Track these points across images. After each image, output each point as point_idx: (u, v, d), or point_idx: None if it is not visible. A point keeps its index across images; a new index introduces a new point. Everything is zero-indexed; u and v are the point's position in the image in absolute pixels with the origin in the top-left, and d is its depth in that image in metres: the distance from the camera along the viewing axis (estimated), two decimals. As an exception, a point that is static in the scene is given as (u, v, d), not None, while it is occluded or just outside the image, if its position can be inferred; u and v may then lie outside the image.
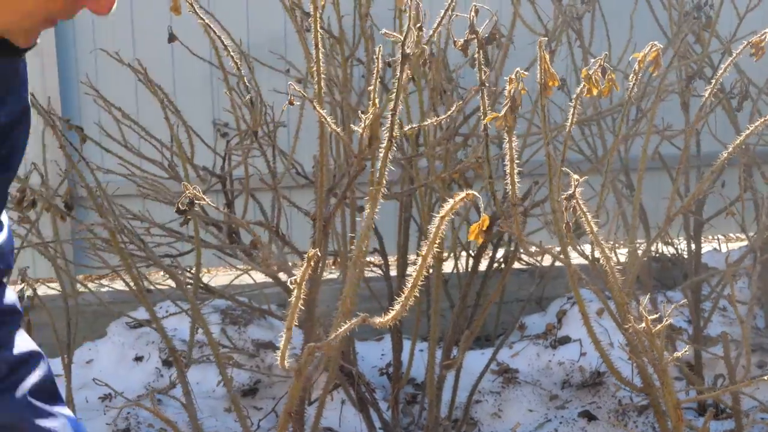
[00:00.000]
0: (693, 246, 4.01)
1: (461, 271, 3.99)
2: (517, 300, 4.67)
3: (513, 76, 2.16)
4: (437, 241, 1.67)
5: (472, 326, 3.51)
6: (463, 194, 1.67)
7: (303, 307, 2.96)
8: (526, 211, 3.21)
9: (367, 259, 4.52)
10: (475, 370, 3.88)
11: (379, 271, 4.05)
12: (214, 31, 3.08)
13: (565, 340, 4.25)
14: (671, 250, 4.52)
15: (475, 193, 1.66)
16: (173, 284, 3.34)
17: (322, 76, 2.52)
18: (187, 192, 2.18)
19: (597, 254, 2.76)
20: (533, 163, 4.21)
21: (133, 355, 4.06)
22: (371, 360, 4.34)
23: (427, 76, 3.44)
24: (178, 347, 3.94)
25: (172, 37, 3.52)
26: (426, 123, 2.36)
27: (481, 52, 2.48)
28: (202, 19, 3.12)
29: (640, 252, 2.88)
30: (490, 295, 3.43)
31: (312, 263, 1.77)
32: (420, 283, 1.66)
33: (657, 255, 4.67)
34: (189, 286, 3.28)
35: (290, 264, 2.92)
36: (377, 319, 1.89)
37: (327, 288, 4.27)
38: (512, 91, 2.15)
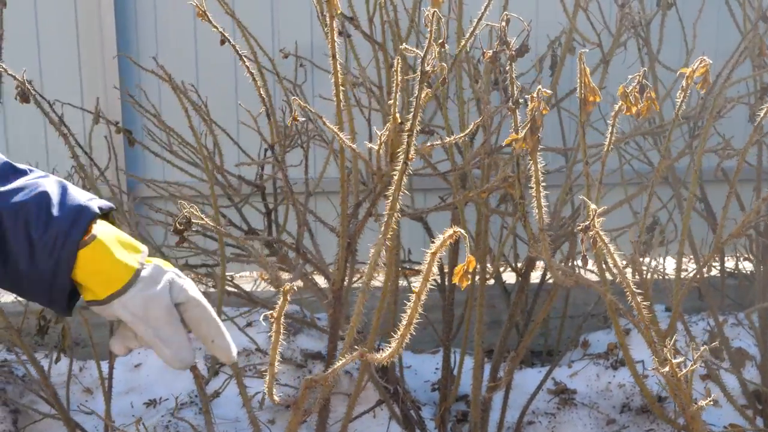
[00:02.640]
0: (762, 268, 3.76)
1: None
2: (586, 315, 4.48)
3: (534, 95, 2.00)
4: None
5: (519, 347, 3.34)
6: (451, 231, 1.53)
7: (329, 329, 2.86)
8: (570, 233, 3.04)
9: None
10: (531, 388, 3.72)
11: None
12: (261, 47, 2.99)
13: (623, 363, 4.04)
14: (749, 266, 4.27)
15: (461, 230, 1.52)
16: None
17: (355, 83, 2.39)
18: (184, 211, 2.08)
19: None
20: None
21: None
22: (425, 374, 4.20)
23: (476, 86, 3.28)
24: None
25: (223, 41, 3.43)
26: (454, 138, 2.21)
27: (512, 65, 2.31)
28: (244, 30, 3.03)
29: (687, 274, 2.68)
30: (554, 312, 3.26)
31: (288, 297, 1.65)
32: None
33: (734, 272, 4.43)
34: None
35: (310, 278, 2.79)
36: (376, 356, 1.77)
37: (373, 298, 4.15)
38: (534, 110, 1.99)
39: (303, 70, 3.84)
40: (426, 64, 1.98)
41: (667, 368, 1.99)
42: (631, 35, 3.63)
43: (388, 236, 2.04)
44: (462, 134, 2.16)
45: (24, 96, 2.44)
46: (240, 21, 3.00)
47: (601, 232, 1.98)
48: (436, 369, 4.20)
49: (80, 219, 1.39)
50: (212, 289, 3.55)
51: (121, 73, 4.38)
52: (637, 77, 2.19)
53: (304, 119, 3.04)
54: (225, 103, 4.34)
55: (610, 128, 2.29)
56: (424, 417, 3.76)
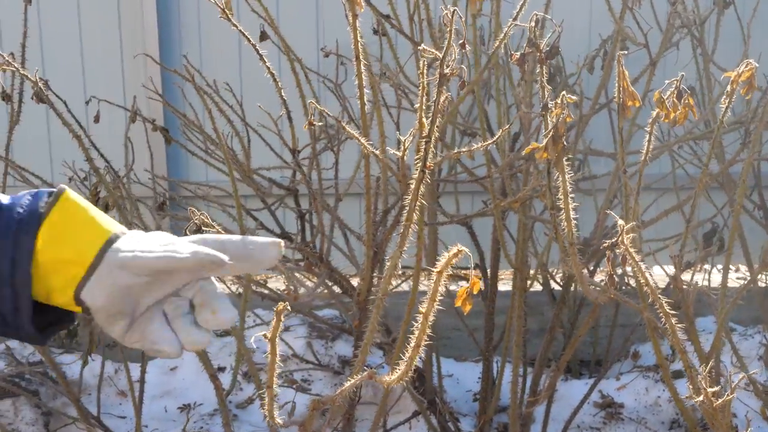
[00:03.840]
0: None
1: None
2: (635, 325, 4.32)
3: (558, 101, 1.87)
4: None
5: (561, 361, 3.20)
6: (455, 249, 1.42)
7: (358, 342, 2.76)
8: (598, 247, 2.89)
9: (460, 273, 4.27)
10: (576, 400, 3.57)
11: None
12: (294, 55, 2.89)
13: (679, 375, 3.86)
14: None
15: (465, 249, 1.40)
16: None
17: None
18: (194, 218, 1.99)
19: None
20: (651, 177, 3.86)
21: (216, 365, 3.92)
22: (467, 383, 4.07)
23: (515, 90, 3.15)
24: (259, 361, 3.78)
25: (263, 36, 3.35)
26: (482, 145, 2.09)
27: (543, 67, 2.18)
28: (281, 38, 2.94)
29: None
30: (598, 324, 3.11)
31: (281, 317, 1.55)
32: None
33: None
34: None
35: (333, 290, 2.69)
36: (385, 378, 1.67)
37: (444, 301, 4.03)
38: (556, 119, 1.85)
39: (344, 69, 3.73)
40: (445, 66, 1.86)
41: (701, 398, 1.85)
42: (684, 35, 3.47)
43: (405, 247, 1.94)
44: (491, 140, 2.03)
45: (39, 97, 2.37)
46: (273, 19, 2.91)
47: (632, 249, 1.85)
48: (479, 378, 4.06)
49: (35, 197, 1.18)
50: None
51: (163, 72, 4.32)
52: (675, 82, 2.05)
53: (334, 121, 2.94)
54: (269, 102, 4.26)
55: (648, 136, 2.15)
56: (465, 429, 3.64)
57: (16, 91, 2.64)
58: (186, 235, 1.34)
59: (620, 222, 1.79)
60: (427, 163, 1.83)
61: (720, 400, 1.85)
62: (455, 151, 2.15)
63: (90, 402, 3.69)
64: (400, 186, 2.36)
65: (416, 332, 1.47)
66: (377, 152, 2.16)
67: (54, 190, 1.20)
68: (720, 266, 3.89)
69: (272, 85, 2.69)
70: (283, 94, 2.26)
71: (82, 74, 4.41)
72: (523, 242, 2.87)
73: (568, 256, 2.17)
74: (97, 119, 3.52)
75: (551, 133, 1.85)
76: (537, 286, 4.06)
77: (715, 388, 1.84)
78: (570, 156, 3.63)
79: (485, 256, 3.66)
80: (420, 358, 3.63)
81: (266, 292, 3.34)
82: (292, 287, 2.20)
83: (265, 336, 1.60)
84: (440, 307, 1.43)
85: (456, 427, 3.50)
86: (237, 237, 1.24)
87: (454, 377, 4.10)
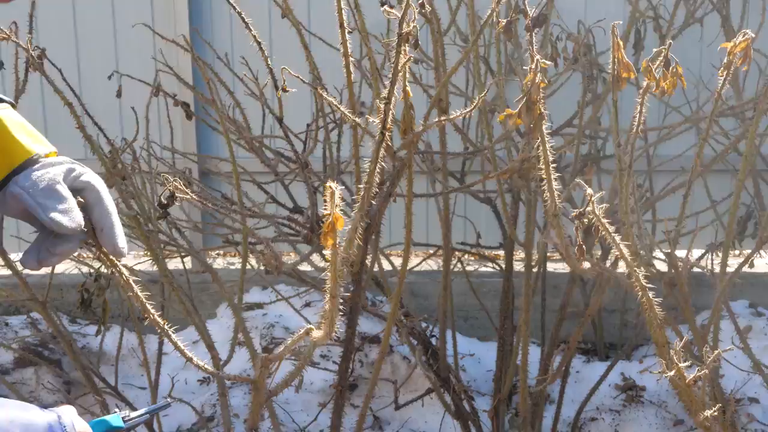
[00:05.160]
0: None
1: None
2: (668, 308, 4.24)
3: (533, 66, 1.83)
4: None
5: (571, 340, 3.16)
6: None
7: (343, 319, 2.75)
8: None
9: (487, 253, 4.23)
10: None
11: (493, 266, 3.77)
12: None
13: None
14: None
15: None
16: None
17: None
18: (168, 186, 1.99)
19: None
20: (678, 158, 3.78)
21: (238, 338, 3.94)
22: (488, 362, 4.04)
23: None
24: (279, 336, 3.80)
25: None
26: (461, 113, 2.06)
27: (532, 35, 2.14)
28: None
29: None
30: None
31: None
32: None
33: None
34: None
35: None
36: (315, 335, 1.69)
37: (458, 281, 4.02)
38: (530, 84, 1.82)
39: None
40: (404, 26, 1.84)
41: (672, 372, 1.81)
42: (708, 11, 3.39)
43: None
44: (467, 110, 2.00)
45: (34, 65, 2.39)
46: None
47: (604, 220, 1.81)
48: (501, 358, 4.03)
49: None
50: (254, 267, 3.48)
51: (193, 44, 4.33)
52: (663, 51, 2.00)
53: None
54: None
55: (638, 107, 2.10)
56: (482, 408, 3.61)
57: (22, 60, 2.67)
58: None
59: (589, 191, 1.75)
60: (387, 125, 1.81)
61: (691, 376, 1.81)
62: (437, 119, 2.12)
63: (112, 372, 3.74)
64: (390, 157, 2.34)
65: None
66: (359, 120, 2.14)
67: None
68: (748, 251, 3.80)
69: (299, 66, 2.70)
70: (269, 63, 2.24)
71: (115, 59, 4.46)
72: (528, 219, 2.83)
73: (547, 230, 2.14)
74: (119, 94, 3.56)
75: (524, 99, 1.81)
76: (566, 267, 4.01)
77: (686, 363, 1.80)
78: (592, 134, 3.58)
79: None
80: (434, 336, 3.61)
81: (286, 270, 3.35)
82: (272, 257, 2.20)
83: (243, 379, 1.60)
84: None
85: (470, 405, 3.47)
86: (103, 217, 1.41)
87: (475, 357, 4.07)
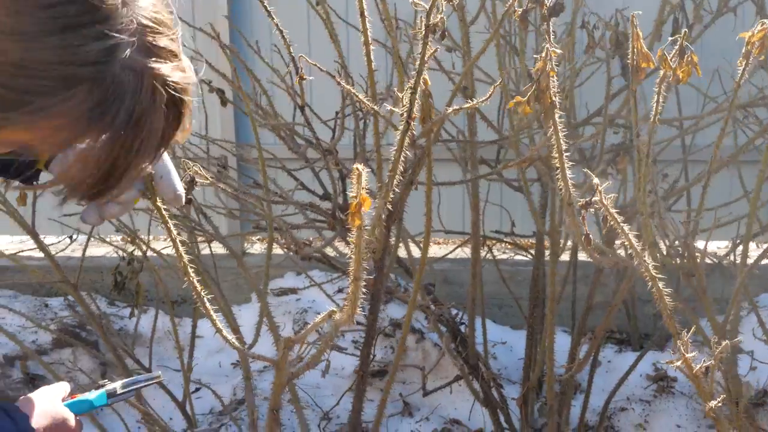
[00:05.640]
0: None
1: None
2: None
3: (543, 55, 1.84)
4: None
5: (597, 330, 3.16)
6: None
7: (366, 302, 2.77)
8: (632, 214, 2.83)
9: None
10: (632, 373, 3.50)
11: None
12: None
13: (735, 351, 3.76)
14: None
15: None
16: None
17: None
18: (188, 171, 2.03)
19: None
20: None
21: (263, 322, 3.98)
22: (520, 351, 4.03)
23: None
24: (311, 321, 3.83)
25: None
26: (478, 102, 2.07)
27: (549, 24, 2.14)
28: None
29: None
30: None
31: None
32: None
33: None
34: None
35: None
36: (337, 316, 1.72)
37: (493, 269, 4.03)
38: (539, 72, 1.83)
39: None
40: (431, 17, 1.86)
41: (679, 362, 1.82)
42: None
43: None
44: (484, 98, 2.02)
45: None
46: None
47: (611, 209, 1.81)
48: (533, 346, 4.04)
49: None
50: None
51: (232, 37, 4.38)
52: (679, 39, 2.00)
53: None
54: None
55: (655, 96, 2.09)
56: (511, 396, 3.62)
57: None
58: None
59: (595, 181, 1.76)
60: (412, 115, 1.83)
61: (698, 366, 1.82)
62: (452, 108, 2.14)
63: (147, 354, 3.81)
64: (411, 145, 2.36)
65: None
66: (376, 107, 2.16)
67: None
68: None
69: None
70: (291, 51, 2.27)
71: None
72: (552, 207, 2.83)
73: (569, 218, 2.14)
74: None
75: (533, 87, 1.82)
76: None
77: (693, 354, 1.80)
78: (626, 124, 3.56)
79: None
80: (464, 324, 3.62)
81: (316, 255, 3.39)
82: (291, 242, 2.23)
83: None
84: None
85: (499, 393, 3.48)
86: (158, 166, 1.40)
87: (507, 345, 4.08)
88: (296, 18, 4.49)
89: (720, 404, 1.79)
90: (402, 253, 3.62)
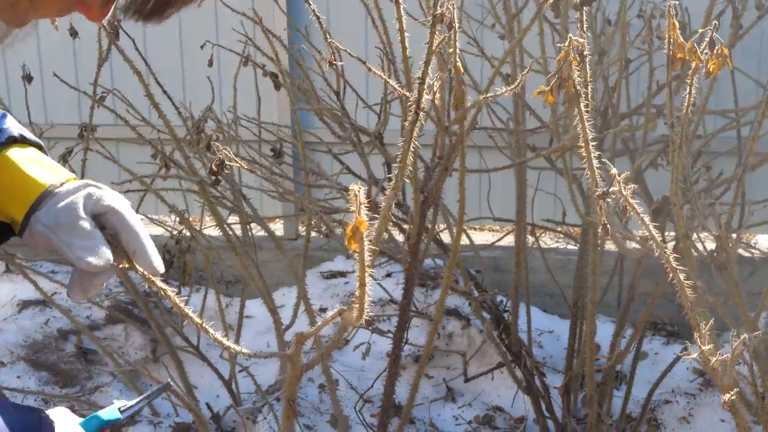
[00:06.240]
0: None
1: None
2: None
3: (566, 44, 1.84)
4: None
5: (639, 321, 3.15)
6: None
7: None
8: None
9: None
10: (677, 365, 3.47)
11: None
12: None
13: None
14: None
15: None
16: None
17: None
18: (218, 153, 2.07)
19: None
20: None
21: (318, 305, 4.03)
22: (566, 340, 4.02)
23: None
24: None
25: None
26: (505, 91, 2.08)
27: (582, 13, 2.14)
28: None
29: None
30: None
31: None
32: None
33: None
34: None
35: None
36: (350, 315, 1.73)
37: (548, 258, 4.02)
38: (561, 62, 1.83)
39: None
40: (438, 6, 1.87)
41: (696, 354, 1.81)
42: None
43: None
44: (510, 88, 2.02)
45: (108, 35, 2.51)
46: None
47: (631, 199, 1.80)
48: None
49: None
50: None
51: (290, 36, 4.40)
52: (709, 30, 1.98)
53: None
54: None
55: (688, 88, 2.08)
56: (554, 385, 3.62)
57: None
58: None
59: (614, 170, 1.75)
60: (421, 105, 1.85)
61: (714, 359, 1.81)
62: (483, 96, 2.15)
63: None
64: (442, 132, 2.37)
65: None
66: (406, 93, 2.18)
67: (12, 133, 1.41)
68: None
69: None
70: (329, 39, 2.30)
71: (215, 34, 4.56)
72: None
73: (594, 208, 2.14)
74: (210, 63, 3.66)
75: (556, 76, 1.83)
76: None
77: (709, 346, 1.79)
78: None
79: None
80: (507, 311, 3.61)
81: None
82: (321, 225, 2.26)
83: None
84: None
85: (542, 381, 3.48)
86: (130, 240, 1.37)
87: (554, 334, 4.07)
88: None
89: (734, 397, 1.78)
90: (447, 239, 3.64)
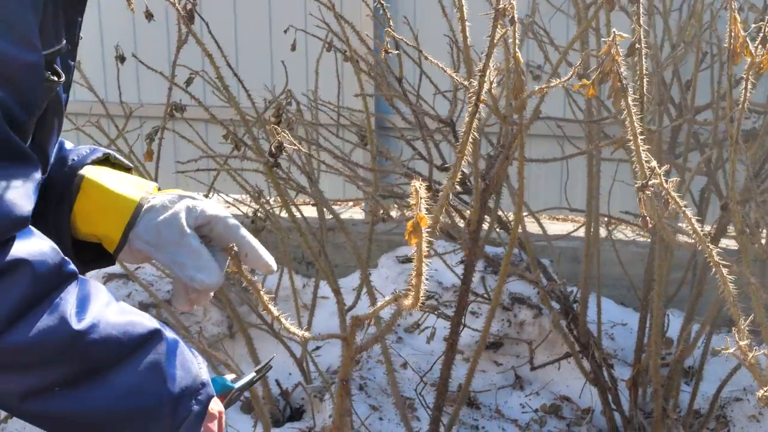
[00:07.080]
0: None
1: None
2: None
3: (610, 39, 1.85)
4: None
5: (707, 316, 3.12)
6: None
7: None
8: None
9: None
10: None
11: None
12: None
13: None
14: None
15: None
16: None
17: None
18: (277, 137, 2.14)
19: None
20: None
21: (392, 289, 4.09)
22: (638, 332, 4.01)
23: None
24: (432, 290, 3.91)
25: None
26: (559, 82, 2.10)
27: (639, 6, 2.15)
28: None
29: None
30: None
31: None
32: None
33: None
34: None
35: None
36: (405, 302, 1.77)
37: (627, 250, 4.02)
38: (604, 57, 1.84)
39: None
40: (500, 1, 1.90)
41: (733, 349, 1.82)
42: None
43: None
44: (564, 79, 2.04)
45: (183, 20, 2.60)
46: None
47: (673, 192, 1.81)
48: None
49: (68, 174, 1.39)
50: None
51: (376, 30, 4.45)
52: (762, 25, 1.97)
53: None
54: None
55: (744, 83, 2.07)
56: (623, 377, 3.61)
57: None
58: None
59: (653, 163, 1.76)
60: (481, 97, 1.88)
61: (751, 355, 1.81)
62: (539, 87, 2.17)
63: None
64: (503, 123, 2.40)
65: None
66: (465, 82, 2.21)
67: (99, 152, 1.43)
68: None
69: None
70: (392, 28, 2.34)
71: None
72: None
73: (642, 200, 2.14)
74: (293, 47, 3.74)
75: (598, 71, 1.84)
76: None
77: (746, 342, 1.79)
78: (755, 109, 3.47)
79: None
80: (575, 301, 3.62)
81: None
82: (376, 209, 2.31)
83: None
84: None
85: (609, 373, 3.48)
86: (239, 245, 1.38)
87: (627, 326, 4.05)
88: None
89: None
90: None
